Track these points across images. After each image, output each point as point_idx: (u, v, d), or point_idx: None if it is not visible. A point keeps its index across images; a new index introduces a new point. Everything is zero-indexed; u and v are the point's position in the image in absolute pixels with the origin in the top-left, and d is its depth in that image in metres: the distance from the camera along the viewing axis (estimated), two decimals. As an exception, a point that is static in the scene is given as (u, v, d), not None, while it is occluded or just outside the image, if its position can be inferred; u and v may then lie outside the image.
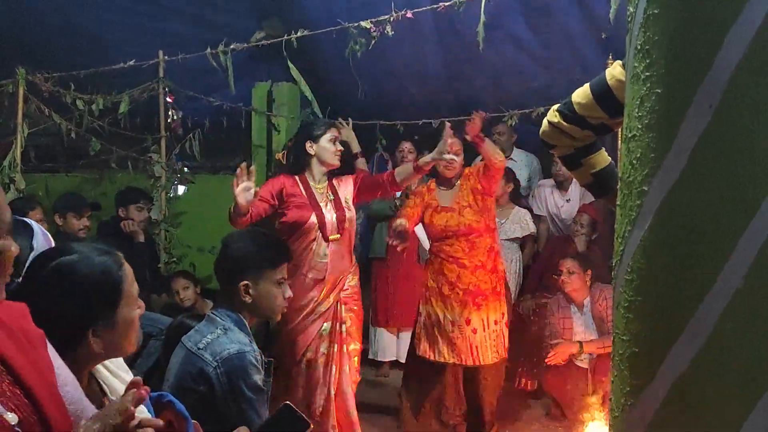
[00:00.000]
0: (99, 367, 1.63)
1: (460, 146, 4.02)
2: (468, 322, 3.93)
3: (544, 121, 2.05)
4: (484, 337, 3.94)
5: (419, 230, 5.09)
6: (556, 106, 2.02)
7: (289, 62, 4.59)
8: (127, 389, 1.40)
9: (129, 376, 1.75)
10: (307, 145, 3.71)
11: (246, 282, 2.41)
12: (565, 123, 1.97)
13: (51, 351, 1.44)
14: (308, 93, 5.10)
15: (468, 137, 3.83)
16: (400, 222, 3.84)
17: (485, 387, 4.06)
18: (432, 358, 4.03)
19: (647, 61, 1.22)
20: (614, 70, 1.82)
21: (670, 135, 1.17)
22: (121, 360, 1.77)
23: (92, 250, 1.62)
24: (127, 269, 1.66)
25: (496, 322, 3.99)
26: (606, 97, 1.85)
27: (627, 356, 1.28)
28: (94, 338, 1.55)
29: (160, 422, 1.36)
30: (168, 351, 2.51)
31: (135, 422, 1.32)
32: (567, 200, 5.23)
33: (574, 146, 2.05)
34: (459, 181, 4.10)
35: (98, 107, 5.17)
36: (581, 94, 1.93)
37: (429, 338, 4.06)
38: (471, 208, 3.99)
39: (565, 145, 2.05)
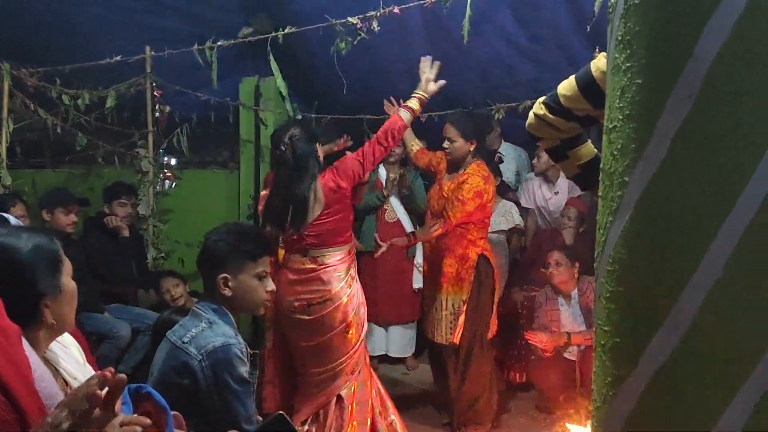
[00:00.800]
0: (53, 355, 1.63)
1: (454, 132, 4.10)
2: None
3: (531, 114, 2.05)
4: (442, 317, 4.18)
5: (407, 221, 5.12)
6: (542, 99, 2.02)
7: (270, 57, 4.56)
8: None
9: (84, 364, 1.76)
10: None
11: (225, 275, 2.39)
12: (550, 115, 1.97)
13: (26, 347, 1.44)
14: (284, 89, 5.05)
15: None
16: None
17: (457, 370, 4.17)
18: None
19: (628, 51, 1.22)
20: (599, 62, 1.82)
21: (650, 125, 1.17)
22: (72, 348, 1.77)
23: (15, 228, 1.68)
24: (58, 242, 1.70)
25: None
26: (591, 89, 1.85)
27: (608, 347, 1.29)
28: (46, 309, 1.58)
29: (147, 421, 1.36)
30: (156, 346, 2.50)
31: (118, 420, 1.31)
32: (555, 193, 5.24)
33: (560, 138, 2.05)
34: (461, 170, 4.14)
35: (84, 102, 5.14)
36: (567, 86, 1.93)
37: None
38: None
39: (551, 137, 2.05)
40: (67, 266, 1.68)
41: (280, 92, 5.10)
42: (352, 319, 3.56)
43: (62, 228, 4.29)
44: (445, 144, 4.13)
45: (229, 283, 2.40)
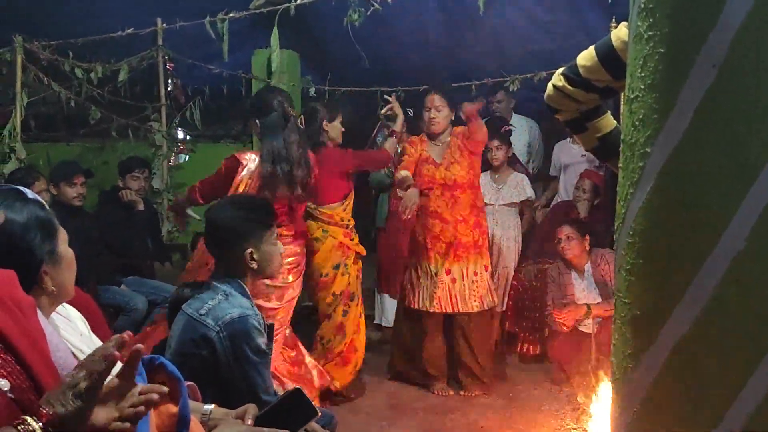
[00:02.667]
0: (60, 330, 1.64)
1: (441, 102, 4.23)
2: (448, 272, 4.21)
3: (549, 85, 2.02)
4: (463, 287, 4.22)
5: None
6: (560, 70, 1.98)
7: (275, 29, 4.51)
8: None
9: (90, 336, 1.77)
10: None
11: (251, 249, 2.41)
12: (570, 86, 1.94)
13: (41, 318, 1.45)
14: (275, 63, 4.95)
15: (463, 115, 4.17)
16: (404, 174, 4.11)
17: (472, 339, 4.29)
18: (415, 306, 4.29)
19: (651, 20, 1.19)
20: (620, 32, 1.78)
21: (673, 95, 1.15)
22: (78, 321, 1.78)
23: (6, 196, 1.64)
24: (50, 210, 1.69)
25: (475, 273, 4.25)
26: (611, 60, 1.82)
27: (629, 319, 1.28)
28: (46, 276, 1.59)
29: (164, 389, 1.37)
30: (172, 319, 2.52)
31: (137, 389, 1.32)
32: (582, 155, 5.21)
33: (579, 110, 2.02)
34: (449, 138, 4.30)
35: (97, 75, 5.13)
36: (586, 56, 1.90)
37: (413, 289, 4.31)
38: (458, 164, 4.22)
39: (570, 109, 2.03)
40: (63, 234, 1.67)
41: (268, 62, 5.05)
42: None
43: (69, 201, 4.31)
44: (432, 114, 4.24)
45: (255, 256, 2.43)
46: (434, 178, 4.22)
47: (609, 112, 2.07)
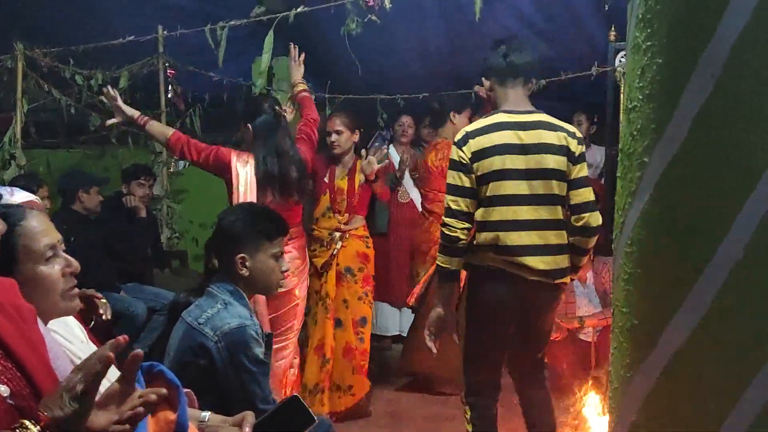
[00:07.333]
0: (58, 336, 1.64)
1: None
2: None
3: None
4: None
5: (419, 201, 5.12)
6: None
7: (270, 33, 4.50)
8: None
9: (87, 342, 1.77)
10: None
11: (242, 255, 2.40)
12: None
13: (41, 326, 1.45)
14: (263, 65, 4.95)
15: None
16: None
17: None
18: None
19: (649, 30, 1.20)
20: None
21: (672, 105, 1.16)
22: (75, 327, 1.78)
23: None
24: (29, 225, 1.59)
25: None
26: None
27: (627, 328, 1.28)
28: None
29: (163, 391, 1.37)
30: (171, 326, 2.52)
31: (136, 393, 1.33)
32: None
33: None
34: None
35: (97, 82, 5.14)
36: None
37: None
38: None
39: None
40: (28, 252, 1.58)
41: (269, 70, 5.04)
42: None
43: (89, 211, 4.40)
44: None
45: (247, 263, 2.41)
46: None
47: None
